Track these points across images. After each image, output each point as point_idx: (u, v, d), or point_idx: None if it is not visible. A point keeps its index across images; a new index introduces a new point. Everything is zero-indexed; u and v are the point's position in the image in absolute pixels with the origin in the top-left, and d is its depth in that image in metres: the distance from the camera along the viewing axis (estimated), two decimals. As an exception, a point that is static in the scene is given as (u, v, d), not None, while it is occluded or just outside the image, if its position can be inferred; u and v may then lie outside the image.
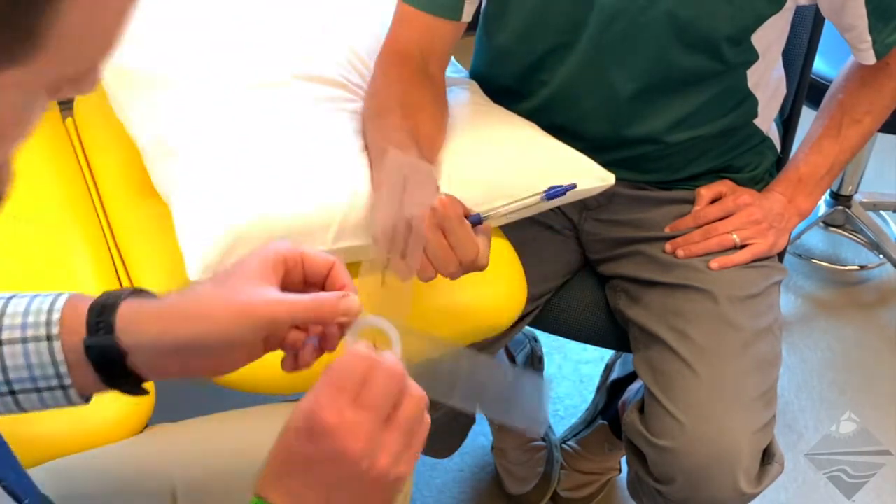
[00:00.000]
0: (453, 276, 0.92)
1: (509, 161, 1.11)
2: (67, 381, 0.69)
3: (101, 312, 0.68)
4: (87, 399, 0.71)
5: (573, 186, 0.95)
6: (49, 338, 0.68)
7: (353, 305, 0.69)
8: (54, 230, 1.19)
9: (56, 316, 0.68)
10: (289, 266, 0.70)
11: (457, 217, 0.89)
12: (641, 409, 1.19)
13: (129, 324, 0.68)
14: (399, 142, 1.03)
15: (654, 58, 1.13)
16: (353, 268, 1.09)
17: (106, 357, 0.67)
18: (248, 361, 0.70)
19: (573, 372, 1.89)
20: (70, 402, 0.70)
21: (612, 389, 1.65)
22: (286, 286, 0.70)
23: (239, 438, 0.98)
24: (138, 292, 0.71)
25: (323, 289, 0.71)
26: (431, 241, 0.89)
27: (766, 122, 1.28)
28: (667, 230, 1.25)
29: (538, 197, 0.96)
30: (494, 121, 1.18)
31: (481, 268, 0.92)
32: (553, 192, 0.95)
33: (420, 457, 0.67)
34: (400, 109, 1.08)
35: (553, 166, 1.12)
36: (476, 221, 0.92)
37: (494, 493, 1.67)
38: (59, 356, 0.68)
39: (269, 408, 1.04)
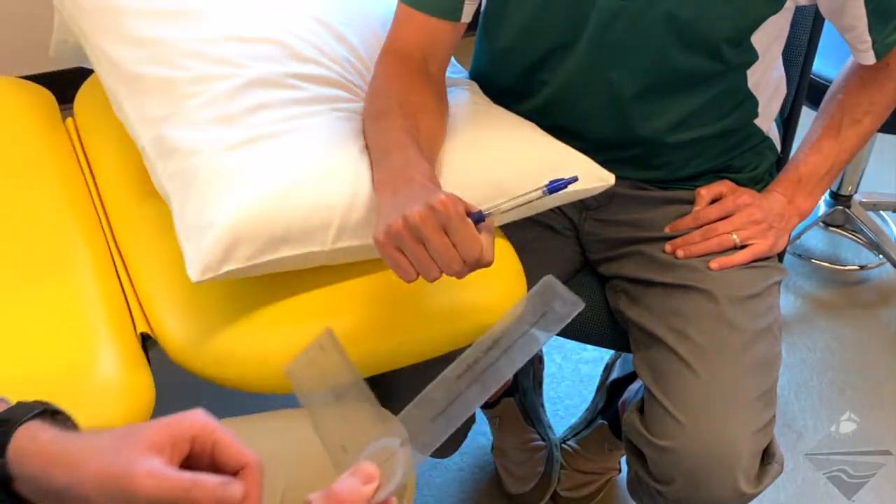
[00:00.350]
0: (459, 275, 0.91)
1: (509, 161, 1.11)
2: None
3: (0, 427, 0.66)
4: None
5: (575, 179, 0.95)
6: None
7: (232, 496, 0.63)
8: (54, 230, 1.19)
9: None
10: (196, 447, 0.66)
11: (458, 215, 0.89)
12: (641, 409, 1.19)
13: (19, 450, 0.65)
14: (399, 142, 1.03)
15: (654, 58, 1.13)
16: (353, 268, 1.09)
17: None
18: None
19: (573, 372, 1.90)
20: None
21: (611, 389, 1.65)
22: (193, 465, 0.66)
23: None
24: (48, 413, 0.69)
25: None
26: (434, 241, 0.88)
27: (767, 122, 1.28)
28: (666, 230, 1.25)
29: (540, 191, 0.95)
30: (494, 121, 1.18)
31: (487, 264, 0.92)
32: (555, 186, 0.94)
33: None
34: (400, 109, 1.08)
35: (553, 166, 1.11)
36: (478, 219, 0.92)
37: (494, 492, 1.67)
38: None
39: (267, 415, 1.04)
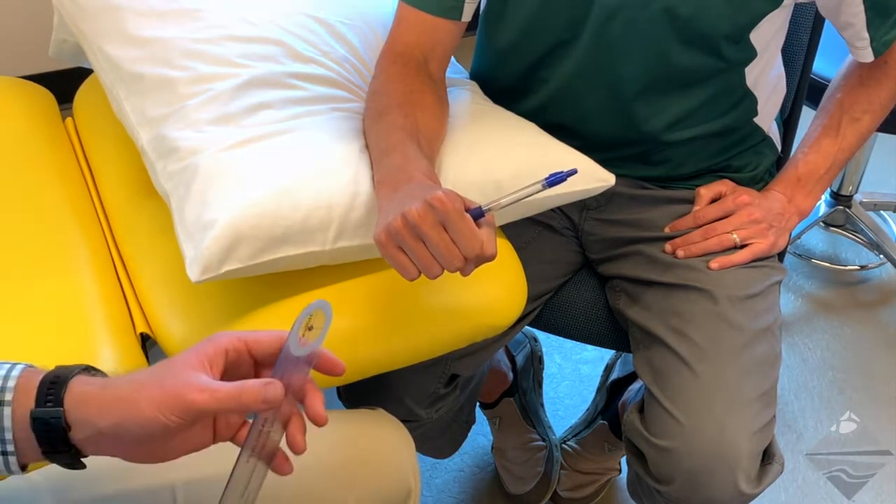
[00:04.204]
0: (463, 272, 0.91)
1: (509, 161, 1.11)
2: (10, 448, 0.70)
3: (52, 385, 0.71)
4: (24, 468, 0.72)
5: (574, 171, 0.94)
6: (1, 403, 0.70)
7: (276, 394, 0.71)
8: (54, 230, 1.19)
9: (11, 384, 0.71)
10: (231, 356, 0.74)
11: (456, 211, 0.89)
12: (641, 410, 1.19)
13: (75, 400, 0.70)
14: (399, 141, 1.03)
15: (653, 55, 1.13)
16: (353, 268, 1.09)
17: (50, 429, 0.70)
18: (191, 450, 0.73)
19: (573, 372, 1.90)
20: (8, 470, 0.72)
21: (612, 389, 1.65)
22: (236, 375, 0.73)
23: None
24: (89, 369, 0.74)
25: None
26: (433, 238, 0.88)
27: (766, 121, 1.28)
28: (666, 230, 1.25)
29: (539, 185, 0.94)
30: (495, 120, 1.18)
31: (489, 258, 0.91)
32: (554, 179, 0.94)
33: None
34: (400, 109, 1.08)
35: (553, 165, 1.11)
36: (477, 215, 0.91)
37: (494, 493, 1.67)
38: (7, 423, 0.70)
39: None
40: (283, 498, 0.93)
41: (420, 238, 0.88)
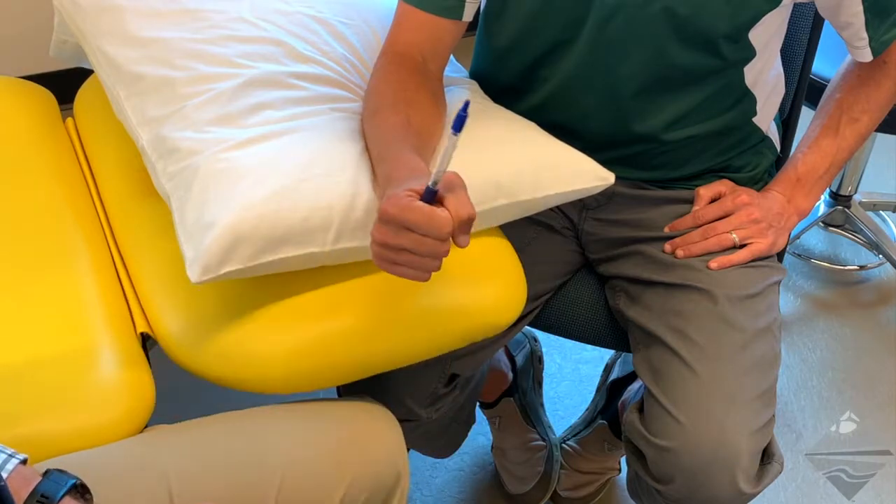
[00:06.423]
0: (459, 245, 0.91)
1: (508, 160, 1.11)
2: None
3: (42, 500, 0.71)
4: None
5: (467, 103, 0.91)
6: None
7: None
8: (54, 230, 1.19)
9: (3, 475, 0.71)
10: None
11: (404, 211, 0.88)
12: (641, 409, 1.19)
13: None
14: (388, 146, 1.03)
15: (652, 54, 1.13)
16: (353, 268, 1.09)
17: None
18: None
19: (573, 372, 1.90)
20: None
21: (611, 389, 1.65)
22: None
23: (234, 438, 0.98)
24: (80, 488, 0.74)
25: None
26: (406, 244, 0.89)
27: (765, 121, 1.28)
28: (666, 230, 1.25)
29: (453, 136, 0.92)
30: (494, 120, 1.19)
31: (469, 220, 0.90)
32: (457, 122, 0.91)
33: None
34: (393, 107, 1.08)
35: (553, 165, 1.12)
36: (430, 195, 0.90)
37: (494, 492, 1.67)
38: None
39: (264, 409, 1.04)
40: (276, 489, 0.93)
41: (399, 248, 0.90)
